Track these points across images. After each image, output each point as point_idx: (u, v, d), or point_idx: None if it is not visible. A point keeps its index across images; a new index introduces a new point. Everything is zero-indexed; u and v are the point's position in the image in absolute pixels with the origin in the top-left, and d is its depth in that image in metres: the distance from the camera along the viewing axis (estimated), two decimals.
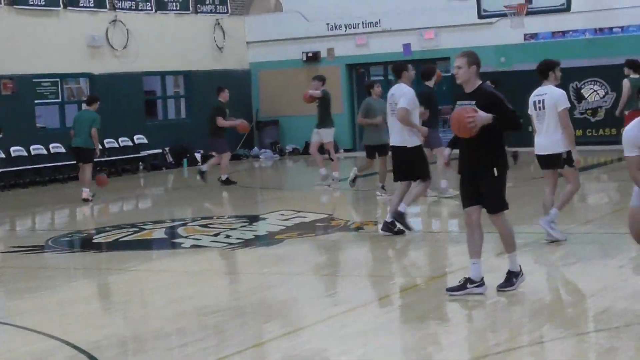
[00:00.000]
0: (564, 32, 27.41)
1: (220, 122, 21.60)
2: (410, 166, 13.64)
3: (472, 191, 9.66)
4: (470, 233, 9.71)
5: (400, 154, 13.78)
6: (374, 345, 8.18)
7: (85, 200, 20.11)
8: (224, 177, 21.82)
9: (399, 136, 13.74)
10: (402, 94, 13.73)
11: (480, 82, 9.74)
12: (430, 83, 17.32)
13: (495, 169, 9.55)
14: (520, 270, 9.77)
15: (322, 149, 21.12)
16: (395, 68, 14.60)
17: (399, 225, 13.64)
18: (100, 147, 21.53)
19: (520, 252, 10.23)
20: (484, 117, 9.33)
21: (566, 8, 25.18)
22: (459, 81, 9.76)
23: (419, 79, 17.74)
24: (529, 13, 25.27)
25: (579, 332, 8.34)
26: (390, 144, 14.27)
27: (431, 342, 8.44)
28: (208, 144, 23.62)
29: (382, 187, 18.18)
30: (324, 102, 20.97)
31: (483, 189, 9.60)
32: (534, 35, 27.43)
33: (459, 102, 9.73)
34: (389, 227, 13.68)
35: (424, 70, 17.68)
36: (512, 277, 9.70)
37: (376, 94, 18.60)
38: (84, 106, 21.82)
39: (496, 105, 9.49)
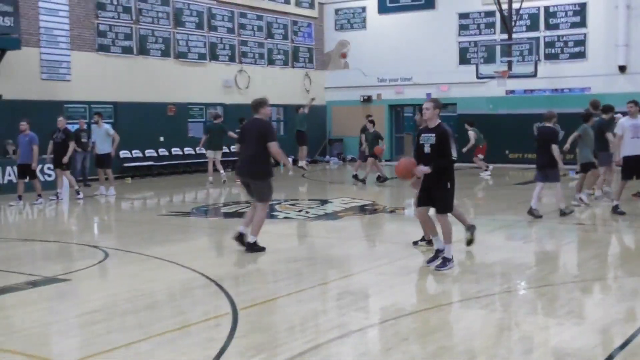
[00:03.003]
0: (532, 90, 27.02)
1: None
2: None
3: (426, 197, 9.04)
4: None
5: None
6: (398, 288, 8.11)
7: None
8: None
9: None
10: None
11: (440, 121, 8.85)
12: (606, 117, 14.78)
13: (448, 183, 8.83)
14: (452, 258, 8.94)
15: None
16: None
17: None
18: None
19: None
20: (423, 169, 8.75)
21: (534, 75, 24.98)
22: (425, 118, 8.84)
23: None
24: (509, 77, 25.17)
25: (536, 285, 8.21)
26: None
27: (439, 289, 8.36)
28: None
29: (580, 199, 14.66)
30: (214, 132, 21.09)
31: (435, 195, 8.91)
32: (512, 91, 27.08)
33: (423, 135, 8.88)
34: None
35: (604, 107, 14.95)
36: (446, 261, 8.86)
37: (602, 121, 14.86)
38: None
39: (444, 141, 8.65)
